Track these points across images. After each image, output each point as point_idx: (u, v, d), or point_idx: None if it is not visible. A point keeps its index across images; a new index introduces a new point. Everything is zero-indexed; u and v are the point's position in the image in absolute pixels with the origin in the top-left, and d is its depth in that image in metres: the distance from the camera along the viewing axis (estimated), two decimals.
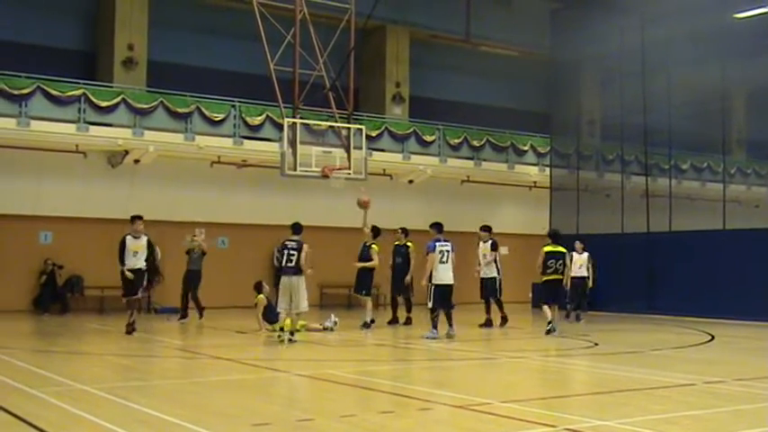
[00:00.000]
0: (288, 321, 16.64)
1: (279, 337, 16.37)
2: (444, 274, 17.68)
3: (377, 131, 29.91)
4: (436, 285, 17.62)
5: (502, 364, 14.43)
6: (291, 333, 16.38)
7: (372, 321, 20.37)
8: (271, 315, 18.13)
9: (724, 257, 24.50)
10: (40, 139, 24.90)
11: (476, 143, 32.39)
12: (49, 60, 27.73)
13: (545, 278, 19.16)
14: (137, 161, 26.79)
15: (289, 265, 16.37)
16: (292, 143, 22.10)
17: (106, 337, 18.96)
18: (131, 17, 28.30)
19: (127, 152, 26.40)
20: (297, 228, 16.94)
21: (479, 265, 20.98)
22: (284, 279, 16.46)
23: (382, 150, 30.05)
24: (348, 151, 22.89)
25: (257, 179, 28.51)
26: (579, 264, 23.06)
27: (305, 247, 16.42)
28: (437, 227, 18.50)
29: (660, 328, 21.69)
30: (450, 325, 17.74)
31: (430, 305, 17.63)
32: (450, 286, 17.75)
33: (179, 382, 11.97)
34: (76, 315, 24.51)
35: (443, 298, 17.70)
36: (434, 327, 17.57)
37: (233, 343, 17.70)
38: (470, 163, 32.34)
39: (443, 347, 16.52)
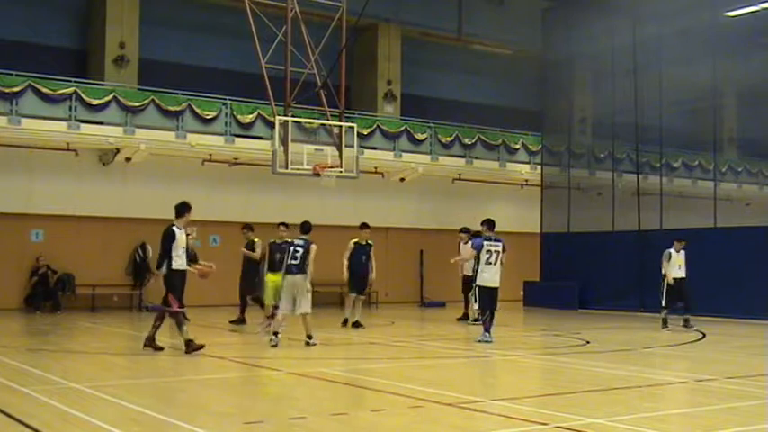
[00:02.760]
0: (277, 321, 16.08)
1: (271, 341, 15.53)
2: (490, 276, 16.71)
3: (368, 129, 29.90)
4: (480, 287, 16.77)
5: (493, 362, 14.45)
6: (309, 336, 15.67)
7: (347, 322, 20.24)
8: None
9: (715, 255, 24.56)
10: (31, 138, 24.84)
11: (467, 141, 32.40)
12: (41, 58, 27.67)
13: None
14: (128, 159, 26.74)
15: (293, 263, 15.61)
16: (284, 141, 22.10)
17: (98, 336, 18.94)
18: (123, 15, 28.26)
19: (118, 150, 26.35)
20: (306, 227, 16.27)
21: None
22: (288, 278, 15.65)
23: (374, 148, 30.05)
24: (339, 149, 22.90)
25: (249, 177, 28.49)
26: (678, 264, 20.51)
27: (313, 247, 15.78)
28: (488, 224, 17.25)
29: (651, 325, 21.71)
30: (487, 330, 16.68)
31: (476, 307, 16.98)
32: (494, 289, 16.80)
33: (171, 381, 11.97)
34: (68, 313, 24.46)
35: (490, 300, 16.80)
36: (486, 330, 16.70)
37: (225, 341, 17.71)
38: (462, 161, 32.36)
39: (436, 346, 16.53)
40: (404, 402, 9.67)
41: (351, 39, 25.59)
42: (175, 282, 14.32)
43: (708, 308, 23.68)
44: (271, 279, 18.72)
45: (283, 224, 19.50)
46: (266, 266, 19.23)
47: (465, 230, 22.18)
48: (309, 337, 15.67)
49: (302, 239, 15.95)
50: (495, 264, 16.73)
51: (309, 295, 15.72)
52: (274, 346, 15.33)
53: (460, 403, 9.44)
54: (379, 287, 30.25)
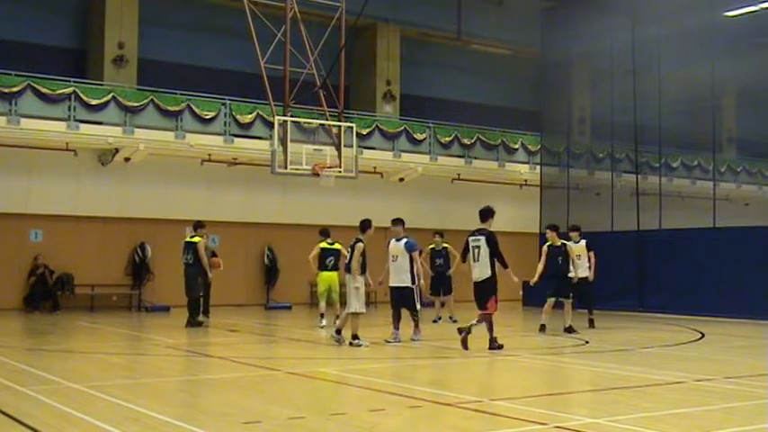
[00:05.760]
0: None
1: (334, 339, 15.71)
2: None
3: (368, 129, 29.92)
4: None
5: (493, 362, 14.45)
6: (354, 337, 15.48)
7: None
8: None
9: (714, 255, 24.56)
10: (30, 138, 24.85)
11: (466, 141, 32.42)
12: (40, 58, 27.71)
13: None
14: (127, 159, 26.75)
15: (346, 261, 15.88)
16: (283, 141, 22.12)
17: (97, 335, 18.94)
18: (122, 15, 28.26)
19: (117, 150, 26.36)
20: (361, 225, 16.11)
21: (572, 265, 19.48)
22: (345, 277, 15.90)
23: (373, 148, 30.06)
24: (339, 149, 22.92)
25: (248, 177, 28.51)
26: None
27: (358, 245, 15.56)
28: (401, 222, 17.03)
29: (650, 325, 21.73)
30: (398, 328, 16.47)
31: (418, 306, 16.49)
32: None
33: (170, 380, 11.97)
34: (67, 313, 24.47)
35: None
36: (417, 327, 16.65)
37: (224, 341, 17.70)
38: (461, 161, 32.37)
39: (436, 346, 16.53)
40: (403, 402, 9.67)
41: (350, 39, 25.59)
42: (497, 285, 15.07)
43: (706, 308, 23.71)
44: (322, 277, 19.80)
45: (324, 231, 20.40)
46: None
47: (575, 228, 21.04)
48: (354, 337, 15.49)
49: (354, 239, 15.89)
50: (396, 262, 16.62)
51: (357, 293, 15.50)
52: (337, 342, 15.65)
53: (460, 403, 9.44)
54: (378, 287, 30.24)
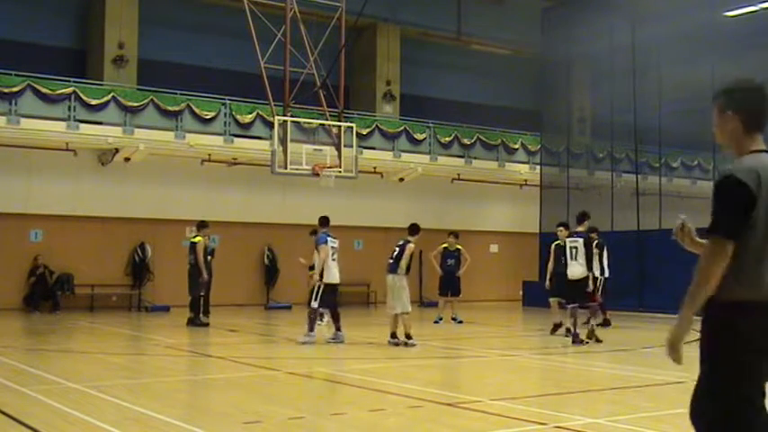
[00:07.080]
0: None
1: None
2: (334, 272, 16.30)
3: (367, 129, 29.90)
4: (326, 284, 16.19)
5: (492, 362, 14.46)
6: (409, 336, 15.46)
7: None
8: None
9: None
10: (30, 137, 24.82)
11: (466, 141, 32.39)
12: (40, 58, 27.66)
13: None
14: (127, 159, 26.74)
15: (389, 261, 15.86)
16: (283, 141, 22.12)
17: (97, 336, 18.95)
18: (122, 15, 28.24)
19: (117, 150, 26.34)
20: (412, 228, 16.33)
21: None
22: (386, 278, 15.86)
23: (373, 148, 30.03)
24: (339, 149, 22.91)
25: (248, 177, 28.49)
26: None
27: (409, 246, 15.70)
28: (324, 221, 17.06)
29: (650, 325, 21.73)
30: (339, 329, 16.36)
31: (315, 305, 16.04)
32: (338, 285, 16.59)
33: (170, 381, 11.97)
34: (67, 313, 24.47)
35: (332, 298, 16.41)
36: (312, 329, 16.09)
37: (224, 341, 17.71)
38: (461, 161, 32.35)
39: (436, 346, 16.52)
40: (403, 402, 9.67)
41: (350, 39, 25.59)
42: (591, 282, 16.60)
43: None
44: None
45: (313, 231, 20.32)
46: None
47: (593, 230, 20.19)
48: (408, 337, 15.49)
49: (403, 240, 16.06)
50: (335, 260, 16.36)
51: (402, 294, 15.56)
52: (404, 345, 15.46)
53: (459, 403, 9.45)
54: (378, 287, 30.27)
